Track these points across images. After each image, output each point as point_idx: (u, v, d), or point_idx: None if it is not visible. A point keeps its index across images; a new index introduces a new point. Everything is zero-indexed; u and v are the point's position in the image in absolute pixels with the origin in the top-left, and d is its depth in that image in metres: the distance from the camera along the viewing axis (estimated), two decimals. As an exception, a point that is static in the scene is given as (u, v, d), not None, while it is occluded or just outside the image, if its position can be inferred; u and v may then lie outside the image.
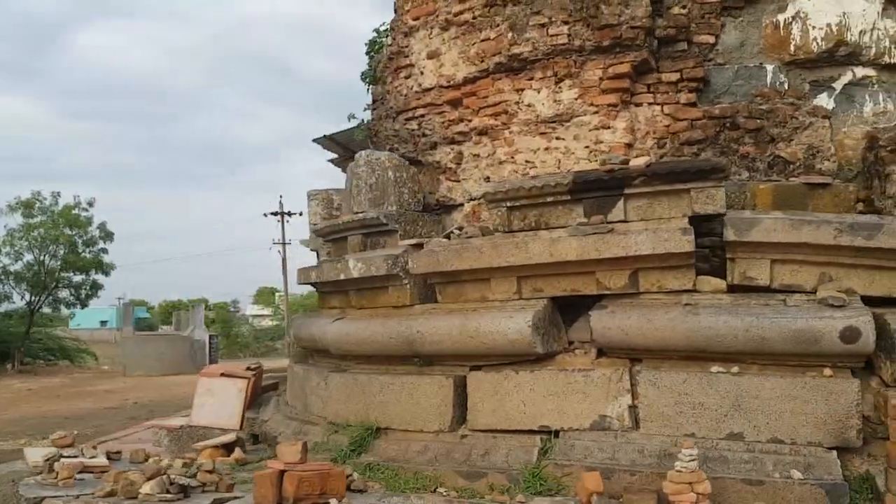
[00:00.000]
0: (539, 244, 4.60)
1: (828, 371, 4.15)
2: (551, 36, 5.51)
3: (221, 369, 7.07)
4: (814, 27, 5.53)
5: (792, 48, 5.57)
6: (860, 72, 5.61)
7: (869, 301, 4.23)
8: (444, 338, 4.79)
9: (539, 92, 5.64)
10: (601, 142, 5.38)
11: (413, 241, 5.38)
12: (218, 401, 6.76)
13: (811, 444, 4.04)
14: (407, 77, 6.62)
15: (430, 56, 6.41)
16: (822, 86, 5.58)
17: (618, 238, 4.44)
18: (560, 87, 5.52)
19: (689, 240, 4.32)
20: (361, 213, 6.03)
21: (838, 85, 5.59)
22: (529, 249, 4.62)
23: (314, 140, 18.22)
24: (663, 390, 4.31)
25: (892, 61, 5.63)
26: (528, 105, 5.69)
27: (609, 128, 5.37)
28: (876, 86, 5.62)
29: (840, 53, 5.53)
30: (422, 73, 6.49)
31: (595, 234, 4.47)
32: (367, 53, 7.70)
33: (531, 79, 5.69)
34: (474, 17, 6.03)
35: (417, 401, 4.91)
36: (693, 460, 3.73)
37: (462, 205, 6.08)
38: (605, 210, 4.63)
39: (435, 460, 4.64)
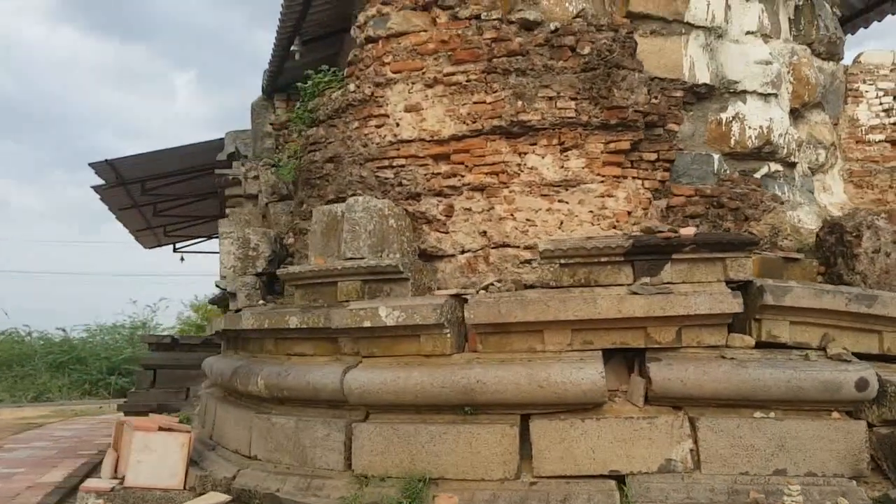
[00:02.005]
0: (607, 301, 4.70)
1: (836, 415, 4.72)
2: (560, 108, 5.67)
3: (156, 422, 6.09)
4: (750, 127, 6.30)
5: (732, 142, 6.30)
6: (773, 166, 6.49)
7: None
8: (510, 387, 4.67)
9: (543, 157, 5.75)
10: (606, 208, 5.62)
11: (452, 292, 5.17)
12: (158, 457, 5.82)
13: (836, 475, 4.57)
14: (379, 126, 6.35)
15: (409, 109, 6.22)
16: (748, 174, 6.35)
17: (679, 298, 4.69)
18: (567, 156, 5.68)
19: (738, 302, 4.71)
20: (359, 258, 5.63)
21: (758, 175, 6.40)
22: (598, 305, 4.70)
23: (91, 164, 16.32)
24: (720, 434, 4.61)
25: (794, 160, 6.57)
26: (532, 168, 5.77)
27: (612, 196, 5.63)
28: (782, 179, 6.51)
29: (765, 150, 6.36)
30: (397, 124, 6.26)
31: (659, 293, 4.68)
32: (306, 95, 7.24)
33: (534, 144, 5.78)
34: (468, 80, 5.99)
35: (477, 450, 4.71)
36: (800, 495, 4.04)
37: (453, 255, 5.93)
38: (654, 272, 4.86)
39: (510, 508, 4.47)
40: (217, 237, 25.54)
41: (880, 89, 7.45)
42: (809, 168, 6.82)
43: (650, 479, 4.55)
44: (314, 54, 9.80)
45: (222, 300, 9.50)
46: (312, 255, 6.16)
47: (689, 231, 4.87)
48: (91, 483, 5.82)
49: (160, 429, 5.94)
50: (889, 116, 7.40)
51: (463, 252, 5.94)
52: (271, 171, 8.61)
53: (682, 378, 4.65)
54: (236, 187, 11.26)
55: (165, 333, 22.53)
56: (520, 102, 5.74)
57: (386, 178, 6.28)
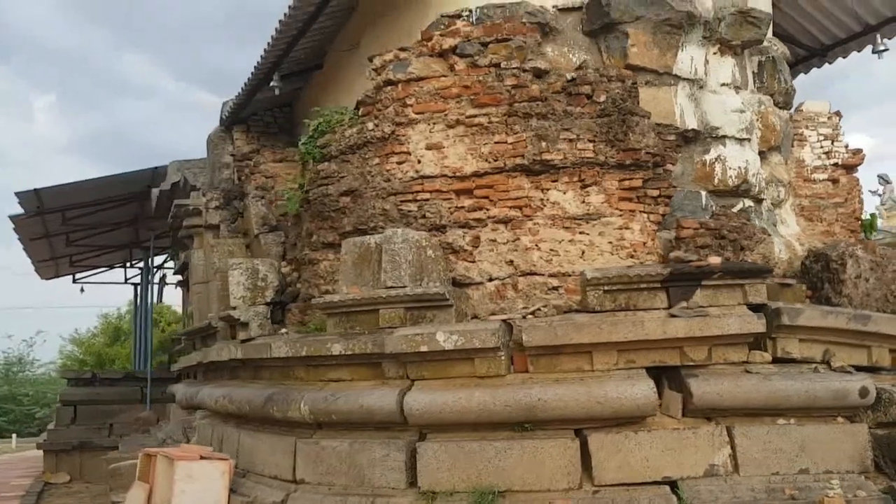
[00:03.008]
0: (653, 323, 5.19)
1: (840, 419, 5.38)
2: (580, 149, 6.17)
3: (196, 451, 6.08)
4: (730, 168, 7.02)
5: (715, 181, 7.00)
6: (747, 202, 7.23)
7: (847, 368, 5.60)
8: (571, 403, 5.05)
9: (565, 193, 6.21)
10: (624, 239, 6.14)
11: (504, 317, 5.50)
12: (201, 486, 5.86)
13: (848, 472, 5.19)
14: (400, 162, 6.64)
15: (430, 148, 6.56)
16: (727, 209, 7.06)
17: (713, 320, 5.23)
18: (588, 192, 6.17)
19: (762, 323, 5.31)
20: (401, 287, 5.89)
21: (735, 210, 7.12)
22: (645, 327, 5.18)
23: (17, 193, 15.67)
24: (752, 440, 5.16)
25: (762, 197, 7.35)
26: (554, 202, 6.22)
27: (629, 228, 6.17)
28: (753, 213, 7.26)
29: (742, 188, 7.09)
30: (419, 161, 6.58)
31: (697, 316, 5.21)
32: (315, 133, 7.42)
33: (556, 181, 6.23)
34: (489, 122, 6.39)
35: (542, 462, 5.05)
36: (839, 489, 4.63)
37: (481, 283, 6.27)
38: (687, 297, 5.40)
39: (578, 514, 4.83)
40: (120, 266, 24.64)
41: (821, 134, 8.42)
42: (772, 203, 7.62)
43: (698, 483, 5.02)
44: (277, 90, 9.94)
45: (198, 332, 9.41)
46: (344, 285, 6.34)
47: (716, 260, 5.44)
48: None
49: (202, 457, 5.94)
50: (829, 158, 8.37)
51: (491, 280, 6.29)
52: (261, 203, 8.65)
53: (718, 391, 5.18)
54: (196, 217, 11.17)
55: (86, 369, 21.42)
56: (543, 143, 6.18)
57: (409, 211, 6.56)
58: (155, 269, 22.13)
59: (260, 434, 6.42)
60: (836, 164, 8.46)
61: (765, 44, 7.68)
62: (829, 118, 8.60)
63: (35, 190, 14.54)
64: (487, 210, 6.35)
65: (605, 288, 5.38)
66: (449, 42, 6.68)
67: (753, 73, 7.65)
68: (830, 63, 10.03)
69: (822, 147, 8.44)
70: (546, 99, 6.28)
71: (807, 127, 8.45)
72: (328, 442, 5.73)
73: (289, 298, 7.76)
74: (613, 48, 6.84)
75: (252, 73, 9.63)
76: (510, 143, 6.32)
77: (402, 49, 6.84)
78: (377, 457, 5.46)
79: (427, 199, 6.51)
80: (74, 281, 24.94)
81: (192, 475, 5.81)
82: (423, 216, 6.51)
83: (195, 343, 10.37)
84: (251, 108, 10.96)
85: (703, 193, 6.87)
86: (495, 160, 6.36)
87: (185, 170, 12.58)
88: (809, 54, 9.92)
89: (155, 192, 15.01)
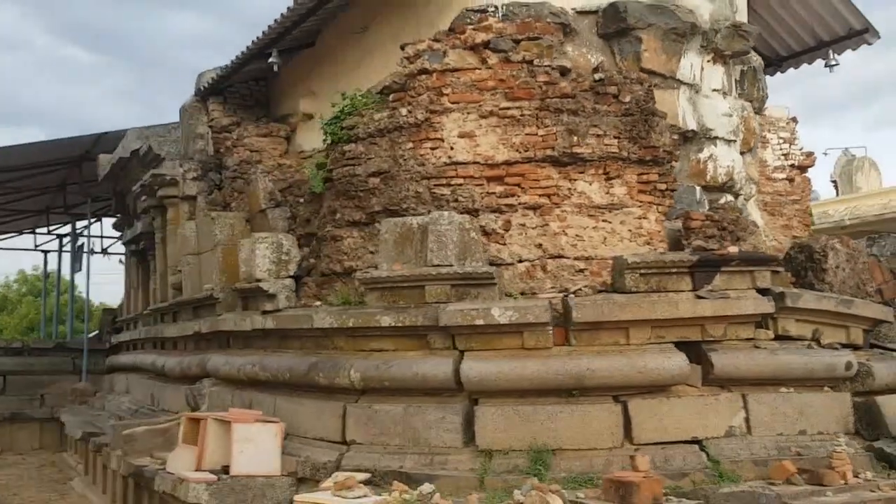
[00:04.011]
0: (685, 304, 5.92)
1: (826, 388, 6.30)
2: (606, 145, 6.81)
3: (251, 415, 6.38)
4: (721, 166, 7.85)
5: (707, 177, 7.82)
6: (728, 197, 8.09)
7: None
8: (615, 373, 5.72)
9: (591, 184, 6.85)
10: (642, 227, 6.85)
11: (550, 296, 6.09)
12: (256, 447, 6.16)
13: (836, 433, 6.10)
14: (434, 148, 7.07)
15: (463, 136, 7.03)
16: (713, 203, 7.90)
17: (733, 301, 6.02)
18: (612, 184, 6.83)
19: (771, 305, 6.13)
20: (448, 265, 6.36)
21: (720, 204, 7.97)
22: (679, 307, 5.90)
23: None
24: (763, 406, 5.99)
25: (740, 192, 8.24)
26: (581, 192, 6.85)
27: (646, 218, 6.87)
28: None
29: (727, 185, 7.95)
30: (452, 148, 7.04)
31: (720, 298, 5.98)
32: (341, 115, 7.72)
33: (583, 172, 6.85)
34: (521, 115, 6.93)
35: (589, 424, 5.69)
36: (845, 445, 5.51)
37: (511, 264, 6.83)
38: (708, 282, 6.15)
39: (624, 468, 5.50)
40: (29, 232, 23.67)
41: (780, 137, 9.41)
42: (744, 199, 8.53)
43: (720, 442, 5.80)
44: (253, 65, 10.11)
45: (190, 302, 9.54)
46: (385, 262, 6.74)
47: (734, 249, 6.21)
48: (196, 475, 5.99)
49: (257, 420, 6.26)
50: (787, 160, 9.38)
51: (521, 261, 6.85)
52: (268, 178, 8.85)
53: (735, 364, 5.97)
54: (172, 187, 11.17)
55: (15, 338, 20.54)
56: (574, 137, 6.78)
57: (442, 195, 7.02)
58: (82, 236, 21.43)
59: (302, 399, 6.76)
60: (792, 165, 9.49)
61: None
62: (787, 123, 9.61)
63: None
64: (518, 196, 6.89)
65: (642, 271, 6.05)
66: (481, 36, 7.13)
67: (735, 80, 8.50)
68: (783, 72, 11.11)
69: (781, 149, 9.45)
70: (575, 96, 6.86)
71: (769, 130, 9.43)
72: (381, 406, 6.17)
73: (303, 272, 8.05)
74: (626, 51, 7.49)
75: (248, 47, 9.73)
76: (540, 136, 6.88)
77: (436, 40, 7.24)
78: (432, 419, 5.95)
79: (460, 185, 6.98)
80: (-26, 247, 23.84)
81: (249, 437, 6.11)
82: (456, 200, 6.98)
83: (178, 313, 10.43)
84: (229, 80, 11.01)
85: (698, 189, 7.66)
86: (526, 150, 6.90)
87: (151, 138, 12.42)
88: (766, 63, 10.94)
89: (105, 157, 14.71)
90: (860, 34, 9.88)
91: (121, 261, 22.83)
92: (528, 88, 6.91)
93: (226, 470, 6.13)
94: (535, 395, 5.87)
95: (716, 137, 7.88)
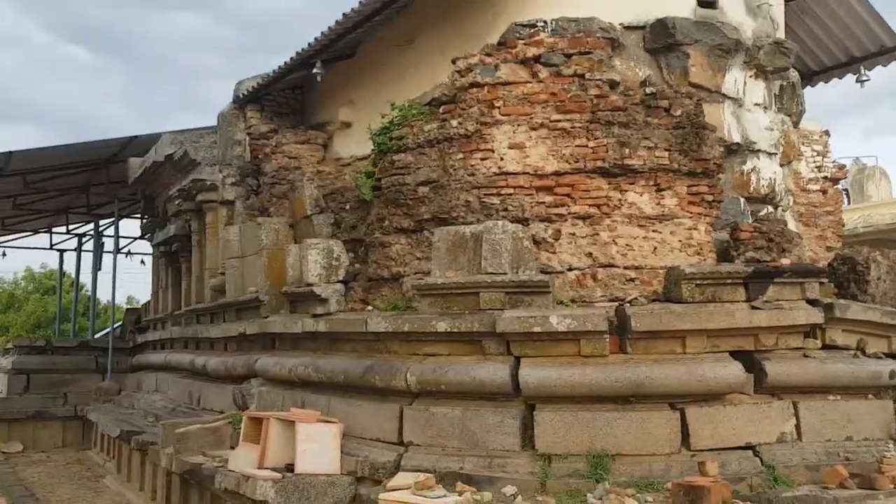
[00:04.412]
0: (741, 314, 6.06)
1: (871, 396, 6.44)
2: (657, 157, 6.97)
3: (312, 415, 6.52)
4: (763, 178, 8.00)
5: (750, 189, 7.97)
6: (769, 209, 8.24)
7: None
8: (674, 381, 5.85)
9: (642, 195, 7.01)
10: (692, 238, 7.00)
11: (605, 304, 6.23)
12: (319, 447, 6.32)
13: (880, 439, 6.25)
14: (484, 159, 7.25)
15: (513, 147, 7.20)
16: (755, 214, 8.05)
17: (786, 312, 6.16)
18: (663, 195, 6.99)
19: (822, 315, 6.27)
20: (502, 273, 6.51)
21: (762, 215, 8.12)
22: (735, 317, 6.04)
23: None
24: (812, 413, 6.13)
25: (782, 204, 8.39)
26: (632, 203, 7.00)
27: (696, 229, 7.02)
28: (774, 217, 8.28)
29: (769, 196, 8.10)
30: (502, 158, 7.21)
31: (775, 309, 6.12)
32: (391, 125, 7.88)
33: (633, 183, 7.01)
34: (572, 127, 7.09)
35: (649, 430, 5.83)
36: (894, 451, 5.65)
37: (561, 272, 6.98)
38: (761, 292, 6.29)
39: (682, 474, 5.64)
40: (45, 231, 23.86)
41: (814, 150, 9.57)
42: (782, 210, 8.68)
43: (772, 448, 5.94)
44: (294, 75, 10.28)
45: (232, 305, 9.68)
46: (438, 269, 6.89)
47: (786, 261, 6.35)
48: (263, 473, 6.13)
49: (318, 420, 6.41)
50: (820, 172, 9.54)
51: (570, 269, 7.00)
52: (313, 185, 9.00)
53: (787, 372, 6.12)
54: (211, 192, 11.32)
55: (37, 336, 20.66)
56: (626, 150, 6.94)
57: (492, 204, 7.18)
58: (105, 236, 21.58)
59: (357, 401, 6.89)
60: (825, 178, 9.65)
61: (785, 70, 8.72)
62: (820, 136, 9.78)
63: (10, 152, 14.14)
64: (568, 206, 7.05)
65: (698, 282, 6.19)
66: (533, 51, 7.30)
67: (775, 94, 8.66)
68: (813, 87, 11.27)
69: (814, 161, 9.61)
70: (627, 109, 7.02)
71: (803, 143, 9.58)
72: (438, 409, 6.30)
73: (349, 277, 8.20)
74: (674, 66, 7.65)
75: (292, 57, 9.88)
76: (590, 147, 7.04)
77: (488, 54, 7.41)
78: (490, 423, 6.09)
79: (510, 194, 7.14)
80: (-6, 245, 24.01)
81: (311, 436, 6.26)
82: (506, 209, 7.14)
83: (218, 315, 10.58)
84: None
85: (742, 200, 7.81)
86: (576, 161, 7.06)
87: (187, 142, 12.56)
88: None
89: (136, 161, 14.88)
90: (891, 51, 10.05)
91: (142, 261, 23.09)
92: (580, 101, 7.07)
93: (288, 468, 6.28)
94: (592, 401, 6.00)
95: (758, 150, 8.03)
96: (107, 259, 20.94)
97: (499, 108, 7.20)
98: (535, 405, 6.10)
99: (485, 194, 7.18)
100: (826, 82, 11.10)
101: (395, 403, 6.57)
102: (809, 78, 11.12)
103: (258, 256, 9.19)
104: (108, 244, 22.06)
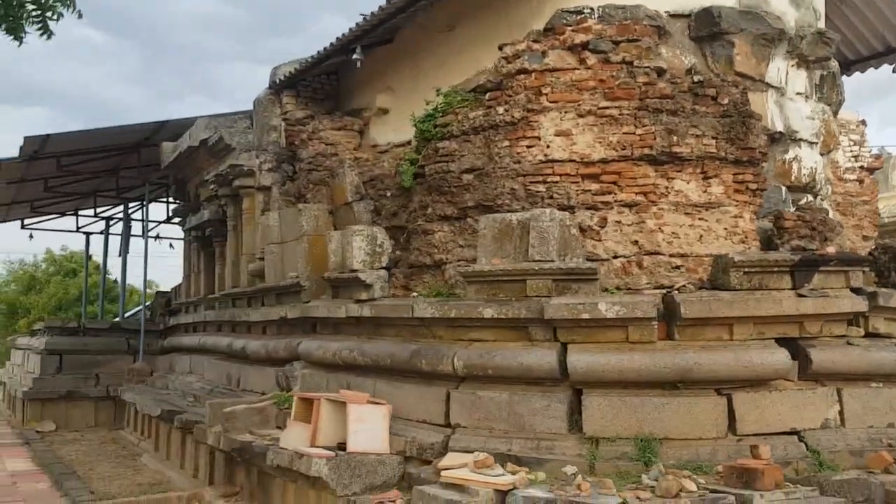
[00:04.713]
0: (788, 302, 6.12)
1: (915, 384, 6.50)
2: (704, 145, 7.01)
3: (362, 397, 6.66)
4: (805, 167, 8.03)
5: (792, 178, 8.00)
6: (809, 198, 8.28)
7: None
8: (722, 367, 5.93)
9: (688, 183, 7.06)
10: (737, 226, 7.06)
11: (652, 292, 6.31)
12: (369, 427, 6.46)
13: (924, 426, 6.32)
14: (530, 146, 7.31)
15: (559, 134, 7.25)
16: (796, 203, 8.09)
17: (832, 300, 6.22)
18: (709, 183, 7.04)
19: (865, 304, 6.32)
20: (549, 261, 6.59)
21: (802, 204, 8.16)
22: (783, 305, 6.11)
23: (26, 137, 15.46)
24: (856, 399, 6.21)
25: (823, 193, 8.42)
26: (678, 191, 7.06)
27: (742, 217, 7.08)
28: (813, 206, 8.31)
29: (809, 185, 8.13)
30: (548, 146, 7.27)
31: (821, 297, 6.18)
32: (435, 112, 7.96)
33: (680, 171, 7.06)
34: (620, 114, 7.14)
35: (696, 415, 5.92)
36: (942, 441, 5.71)
37: (607, 260, 7.05)
38: (807, 281, 6.35)
39: (728, 458, 5.73)
40: (72, 214, 24.06)
41: (851, 140, 9.57)
42: (820, 199, 8.71)
43: (817, 433, 6.02)
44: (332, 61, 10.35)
45: (271, 290, 9.82)
46: (484, 257, 6.99)
47: (832, 250, 6.41)
48: (317, 451, 6.28)
49: (368, 402, 6.55)
50: (857, 161, 9.54)
51: (616, 257, 7.08)
52: (355, 172, 9.10)
53: (832, 359, 6.19)
54: (248, 178, 11.44)
55: (68, 318, 20.99)
56: (674, 137, 6.99)
57: (537, 192, 7.26)
58: (135, 220, 21.81)
59: (403, 383, 7.03)
60: (861, 167, 9.66)
61: (826, 59, 8.72)
62: (857, 126, 9.78)
63: (47, 135, 14.32)
64: (614, 194, 7.11)
65: (746, 269, 6.26)
66: (580, 37, 7.35)
67: (815, 84, 8.67)
68: (849, 76, 11.25)
69: (851, 151, 9.62)
70: (674, 97, 7.07)
71: (840, 133, 9.58)
72: (485, 393, 6.42)
73: (391, 264, 8.31)
74: (719, 55, 7.68)
75: (332, 43, 9.97)
76: (638, 135, 7.09)
77: (535, 41, 7.46)
78: (538, 406, 6.20)
79: (556, 182, 7.21)
80: (23, 227, 24.31)
81: (362, 417, 6.40)
82: (551, 197, 7.22)
83: (256, 299, 10.73)
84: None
85: (783, 189, 7.85)
86: (623, 149, 7.11)
87: (222, 127, 12.69)
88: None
89: (169, 145, 15.05)
90: (930, 41, 10.03)
91: (171, 245, 23.33)
92: (629, 88, 7.12)
93: (340, 447, 6.43)
94: (640, 386, 6.09)
95: (800, 139, 8.06)
96: (133, 242, 21.18)
97: (546, 94, 7.25)
98: (582, 390, 6.20)
99: (530, 182, 7.25)
100: (862, 72, 11.08)
101: (442, 387, 6.69)
102: (847, 67, 11.09)
103: (298, 242, 9.32)
104: (135, 228, 22.42)
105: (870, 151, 9.78)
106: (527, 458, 5.91)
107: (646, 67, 7.16)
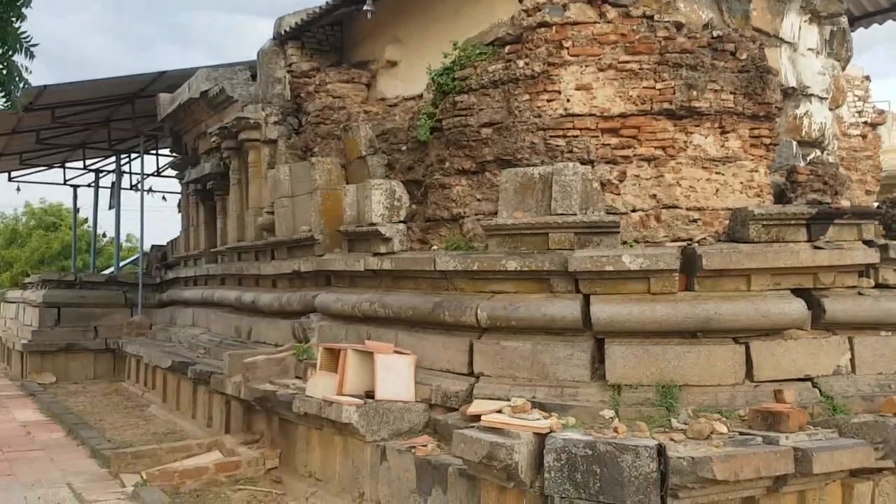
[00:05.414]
0: (805, 253, 6.32)
1: (921, 332, 6.76)
2: (723, 100, 7.13)
3: (387, 347, 6.83)
4: (815, 122, 8.19)
5: (802, 133, 8.16)
6: (817, 152, 8.45)
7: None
8: (741, 317, 6.13)
9: (706, 137, 7.19)
10: (752, 180, 7.22)
11: (673, 244, 6.48)
12: (396, 375, 6.66)
13: (931, 371, 6.60)
14: (550, 100, 7.38)
15: (580, 88, 7.33)
16: (805, 157, 8.26)
17: (846, 252, 6.42)
18: (727, 137, 7.18)
19: (877, 255, 6.54)
20: (572, 214, 6.73)
21: (811, 159, 8.33)
22: (800, 256, 6.30)
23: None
24: (867, 347, 6.45)
25: (830, 148, 8.59)
26: (697, 145, 7.19)
27: (757, 171, 7.23)
28: (820, 161, 8.50)
29: (819, 140, 8.30)
30: (568, 100, 7.35)
31: (836, 249, 6.38)
32: (454, 65, 7.98)
33: (698, 125, 7.19)
34: (640, 68, 7.22)
35: (714, 363, 6.14)
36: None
37: (625, 213, 7.20)
38: (822, 233, 6.54)
39: (746, 403, 5.98)
40: (59, 166, 23.80)
41: (856, 95, 9.72)
42: (828, 154, 8.89)
43: (829, 380, 6.28)
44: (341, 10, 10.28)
45: (284, 243, 9.90)
46: (505, 210, 7.11)
47: (846, 203, 6.59)
48: (347, 399, 6.47)
49: (395, 352, 6.73)
50: (861, 117, 9.71)
51: (634, 210, 7.23)
52: (369, 126, 9.13)
53: (844, 309, 6.41)
54: (254, 131, 11.42)
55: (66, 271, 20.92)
56: (693, 92, 7.09)
57: (557, 146, 7.36)
58: (127, 173, 21.66)
59: (426, 334, 7.20)
60: (865, 122, 9.84)
61: (835, 15, 8.83)
62: (861, 81, 9.92)
63: (44, 86, 14.12)
64: (634, 148, 7.23)
65: (765, 222, 6.43)
66: (602, -10, 7.37)
67: (825, 40, 8.77)
68: (853, 31, 11.33)
69: (856, 106, 9.78)
70: (694, 51, 7.15)
71: (845, 88, 9.73)
72: (509, 343, 6.60)
73: (407, 218, 8.41)
74: (735, 10, 7.75)
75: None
76: (657, 89, 7.19)
77: (555, -7, 7.47)
78: (561, 356, 6.39)
79: (576, 136, 7.31)
80: (10, 179, 24.07)
81: (389, 366, 6.59)
82: (571, 151, 7.32)
83: (265, 253, 10.81)
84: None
85: (794, 143, 8.01)
86: (643, 103, 7.21)
87: (222, 79, 12.60)
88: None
89: (166, 97, 14.91)
90: (935, -3, 10.14)
91: (164, 198, 23.22)
92: (649, 43, 7.19)
93: (368, 395, 6.62)
94: (661, 335, 6.28)
95: (811, 95, 8.20)
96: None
97: (567, 48, 7.30)
98: (604, 339, 6.38)
99: (550, 136, 7.34)
100: (866, 28, 11.19)
101: (465, 337, 6.86)
102: (851, 23, 11.16)
103: (311, 196, 9.38)
104: (124, 180, 22.27)
105: (873, 107, 9.94)
106: (551, 404, 6.11)
107: (665, 22, 7.22)
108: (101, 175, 23.43)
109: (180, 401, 11.35)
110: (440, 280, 7.38)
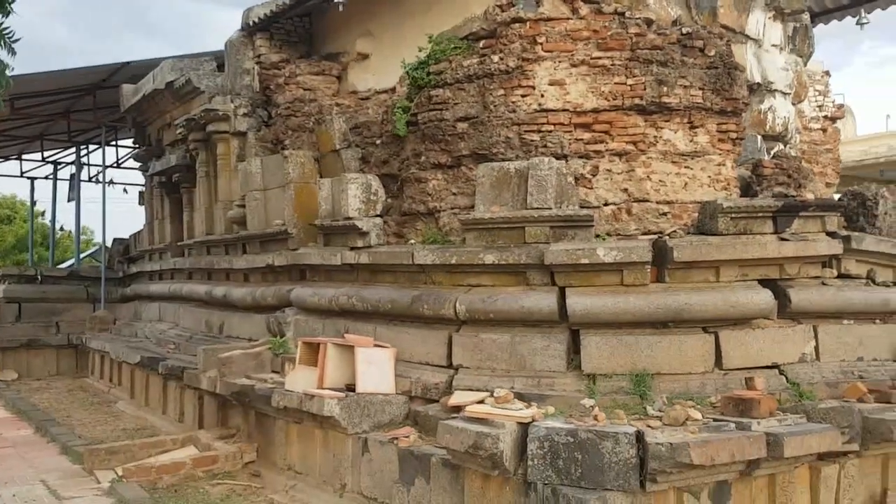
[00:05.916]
0: (771, 245, 6.57)
1: (878, 321, 7.07)
2: (692, 95, 7.34)
3: (367, 340, 6.93)
4: (778, 117, 8.46)
5: (766, 127, 8.43)
6: (779, 146, 8.74)
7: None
8: (710, 307, 6.36)
9: (676, 132, 7.40)
10: (720, 174, 7.45)
11: (651, 238, 6.68)
12: (377, 369, 6.78)
13: (886, 360, 6.91)
14: (524, 95, 7.53)
15: (553, 84, 7.49)
16: (768, 151, 8.55)
17: (812, 244, 6.70)
18: (696, 132, 7.40)
19: (841, 246, 6.82)
20: (547, 208, 6.90)
21: (775, 152, 8.62)
22: (767, 248, 6.55)
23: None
24: (830, 335, 6.75)
25: (794, 142, 8.89)
26: (667, 140, 7.40)
27: (724, 165, 7.47)
28: (783, 154, 8.80)
29: (782, 134, 8.58)
30: (542, 95, 7.50)
31: (801, 240, 6.65)
32: (428, 60, 8.07)
33: (668, 121, 7.39)
34: (612, 64, 7.40)
35: (685, 352, 6.36)
36: (908, 371, 6.30)
37: (598, 207, 7.39)
38: (788, 225, 6.80)
39: (716, 390, 6.22)
40: (15, 158, 23.40)
41: (816, 90, 10.05)
42: (790, 148, 9.20)
43: (795, 367, 6.55)
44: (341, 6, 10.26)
45: (257, 237, 9.92)
46: (482, 204, 7.24)
47: (811, 196, 6.86)
48: (328, 392, 6.57)
49: (375, 345, 6.83)
50: (821, 111, 10.04)
51: (606, 204, 7.42)
52: (342, 119, 9.18)
53: (809, 298, 6.69)
54: (223, 122, 11.38)
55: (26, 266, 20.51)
56: (664, 88, 7.29)
57: (531, 141, 7.51)
58: (87, 165, 21.31)
59: (404, 328, 7.31)
60: (825, 117, 10.17)
61: (798, 12, 9.11)
62: (821, 76, 10.25)
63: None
64: (606, 143, 7.42)
65: (733, 215, 6.66)
66: (574, -13, 7.52)
67: (789, 36, 9.06)
68: (813, 27, 11.68)
69: (816, 101, 10.10)
70: (664, 48, 7.35)
71: (806, 83, 10.05)
72: (487, 335, 6.75)
73: (383, 212, 8.49)
74: (703, 6, 7.98)
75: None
76: (629, 85, 7.37)
77: (529, -11, 7.60)
78: (538, 347, 6.56)
79: (550, 131, 7.47)
80: (-36, 172, 23.54)
81: (369, 359, 6.70)
82: (545, 146, 7.48)
83: (235, 247, 10.80)
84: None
85: (759, 137, 8.27)
86: (614, 99, 7.39)
87: (187, 70, 12.49)
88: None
89: (129, 88, 14.73)
90: (893, -5, 10.50)
91: (125, 190, 22.90)
92: (621, 39, 7.37)
93: (348, 388, 6.72)
94: (633, 326, 6.49)
95: (775, 90, 8.47)
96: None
97: (541, 44, 7.44)
98: (579, 331, 6.57)
99: (525, 131, 7.49)
100: (826, 24, 11.53)
101: (444, 330, 7.00)
102: (812, 20, 11.51)
103: (284, 190, 9.40)
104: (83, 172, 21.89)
105: (833, 101, 10.28)
106: (529, 394, 6.27)
107: (636, 18, 7.41)
108: (59, 167, 23.01)
109: (150, 397, 11.31)
110: (418, 274, 7.50)
